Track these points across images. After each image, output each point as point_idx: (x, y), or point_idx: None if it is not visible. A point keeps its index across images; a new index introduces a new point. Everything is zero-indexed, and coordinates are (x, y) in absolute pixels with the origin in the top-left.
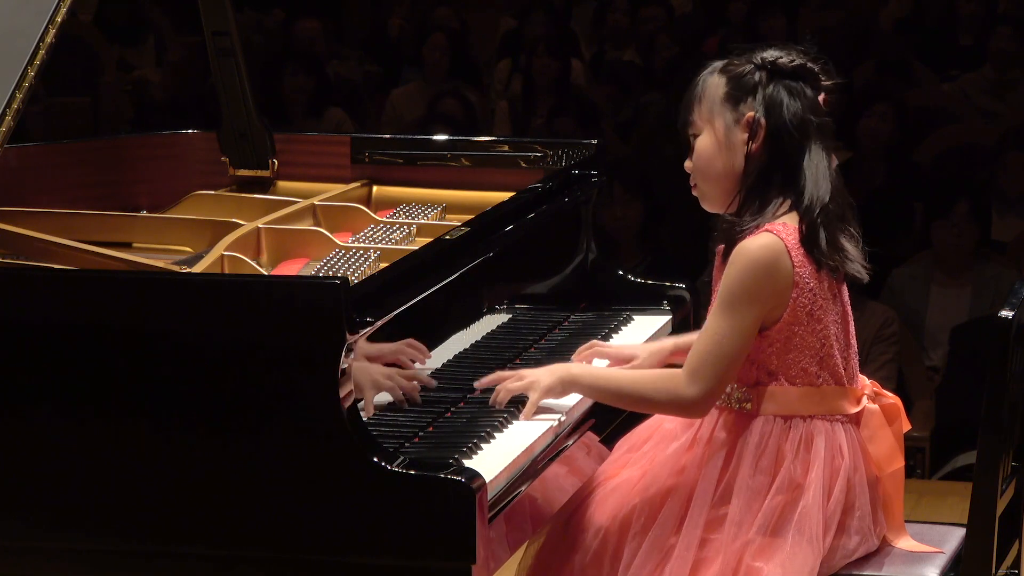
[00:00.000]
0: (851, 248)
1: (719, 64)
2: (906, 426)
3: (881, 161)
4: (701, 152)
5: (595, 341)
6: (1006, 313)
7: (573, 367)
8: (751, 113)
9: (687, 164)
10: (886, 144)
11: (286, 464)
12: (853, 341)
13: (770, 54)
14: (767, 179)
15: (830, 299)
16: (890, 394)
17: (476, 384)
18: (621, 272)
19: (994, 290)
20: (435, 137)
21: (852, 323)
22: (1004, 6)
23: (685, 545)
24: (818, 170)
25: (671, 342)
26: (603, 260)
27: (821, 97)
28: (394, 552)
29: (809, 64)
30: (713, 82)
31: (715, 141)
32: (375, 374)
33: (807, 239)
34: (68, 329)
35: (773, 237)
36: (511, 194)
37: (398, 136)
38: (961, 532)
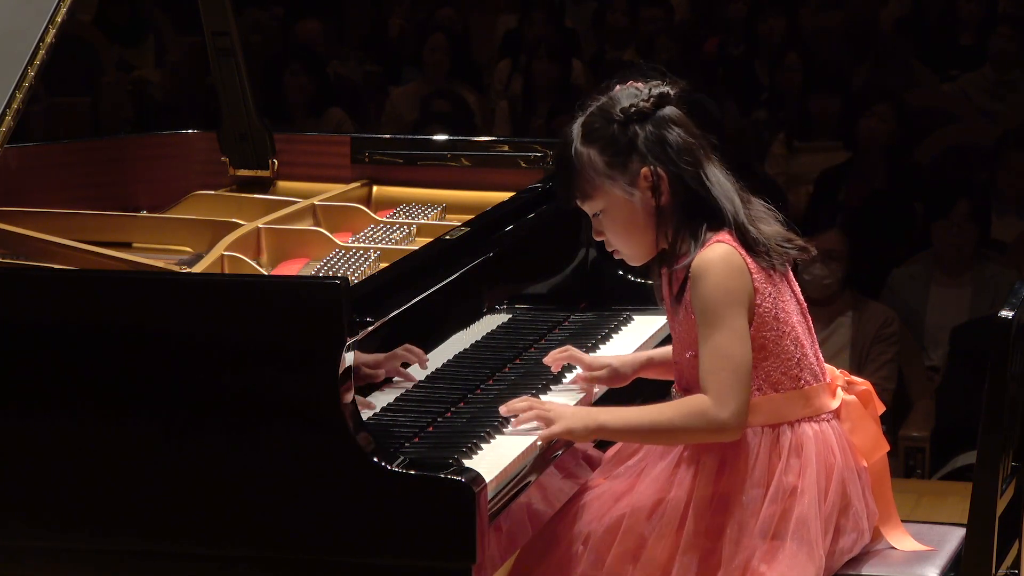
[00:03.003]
0: (780, 231)
1: (576, 131)
2: (879, 407)
3: (881, 161)
4: (612, 226)
5: (569, 346)
6: (1006, 313)
7: (600, 414)
8: (645, 169)
9: (596, 236)
10: (886, 144)
11: (286, 464)
12: (814, 336)
13: (625, 102)
14: (687, 216)
15: (787, 298)
16: (858, 379)
17: (502, 409)
18: (621, 272)
19: (994, 290)
20: (435, 137)
21: (808, 315)
22: (1004, 6)
23: (685, 567)
24: (722, 184)
25: (645, 355)
26: (603, 260)
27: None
28: (394, 552)
29: (660, 89)
30: (586, 155)
31: (620, 210)
32: None
33: (747, 247)
34: (68, 329)
35: (724, 245)
36: (511, 194)
37: (398, 136)
38: (961, 532)
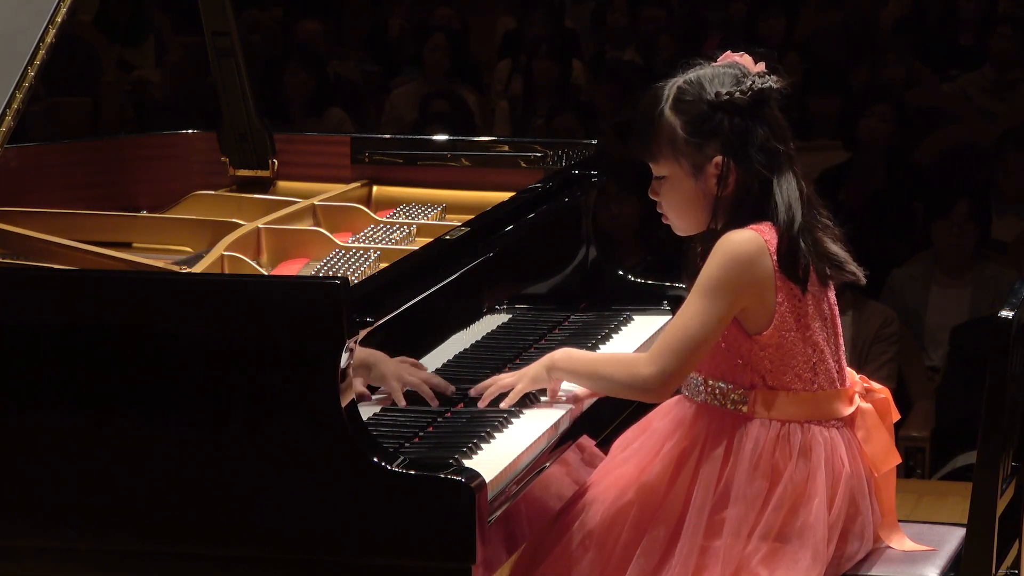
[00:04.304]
0: (840, 252)
1: (670, 92)
2: (895, 416)
3: (881, 161)
4: (670, 193)
5: (495, 377)
6: (1006, 313)
7: (556, 353)
8: (718, 158)
9: (652, 195)
10: (886, 144)
11: (286, 464)
12: (841, 341)
13: (723, 86)
14: (741, 210)
15: (815, 305)
16: (878, 386)
17: (472, 391)
18: (621, 272)
19: (994, 290)
20: (435, 137)
21: (839, 323)
22: (1004, 6)
23: (685, 552)
24: (790, 195)
25: None
26: (603, 260)
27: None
28: (394, 552)
29: (762, 85)
30: (669, 121)
31: (681, 185)
32: (401, 369)
33: (784, 260)
34: (68, 329)
35: (756, 234)
36: (511, 194)
37: (398, 136)
38: (961, 532)
